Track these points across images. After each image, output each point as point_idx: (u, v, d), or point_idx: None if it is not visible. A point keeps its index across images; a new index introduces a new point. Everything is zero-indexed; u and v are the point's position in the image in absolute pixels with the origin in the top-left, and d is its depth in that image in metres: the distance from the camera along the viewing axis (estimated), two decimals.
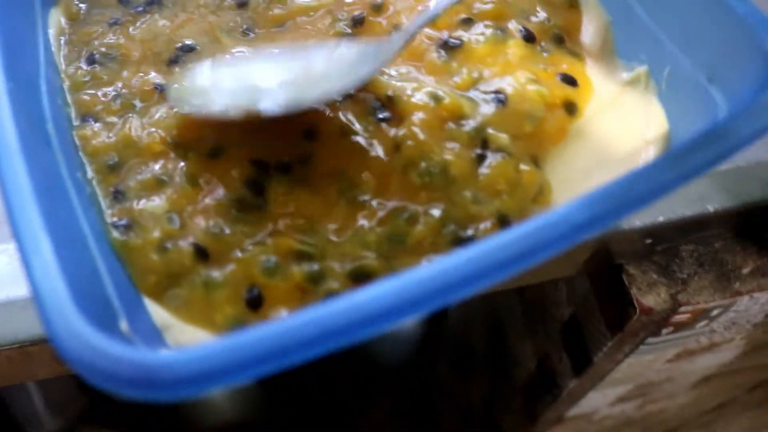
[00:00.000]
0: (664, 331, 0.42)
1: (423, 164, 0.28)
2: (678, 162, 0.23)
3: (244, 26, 0.33)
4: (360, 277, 0.26)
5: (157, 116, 0.30)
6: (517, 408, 0.65)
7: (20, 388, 0.66)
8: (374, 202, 0.27)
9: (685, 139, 0.30)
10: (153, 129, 0.29)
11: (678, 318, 0.40)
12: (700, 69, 0.30)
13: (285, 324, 0.20)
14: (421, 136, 0.28)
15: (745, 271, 0.40)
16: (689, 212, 0.37)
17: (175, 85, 0.30)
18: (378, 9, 0.32)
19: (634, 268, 0.40)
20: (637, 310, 0.39)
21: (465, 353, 0.79)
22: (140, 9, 0.34)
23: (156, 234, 0.27)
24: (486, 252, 0.21)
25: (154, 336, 0.25)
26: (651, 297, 0.39)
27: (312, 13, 0.33)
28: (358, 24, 0.32)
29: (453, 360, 0.85)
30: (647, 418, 0.64)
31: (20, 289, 0.31)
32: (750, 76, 0.27)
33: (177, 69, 0.32)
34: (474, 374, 0.78)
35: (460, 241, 0.27)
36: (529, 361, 0.60)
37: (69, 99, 0.31)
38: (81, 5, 0.34)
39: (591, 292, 0.44)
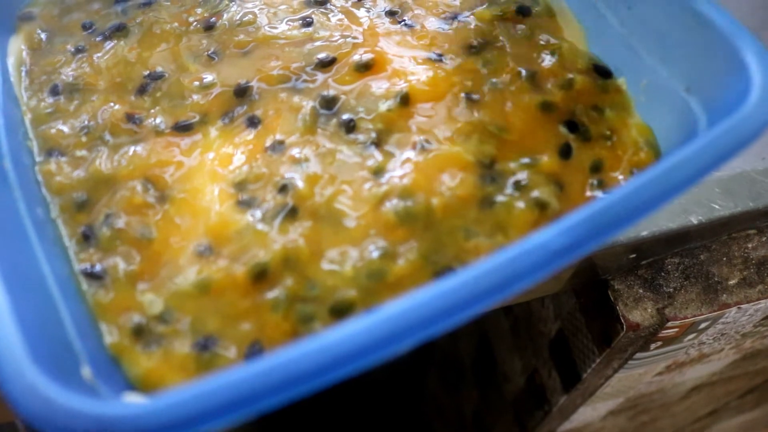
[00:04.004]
0: (653, 345, 0.41)
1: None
2: (659, 180, 0.22)
3: (210, 50, 0.32)
4: (340, 310, 0.25)
5: (131, 153, 0.29)
6: (508, 422, 0.64)
7: None
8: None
9: (666, 152, 0.30)
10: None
11: (666, 333, 0.40)
12: (677, 79, 0.29)
13: (265, 365, 0.19)
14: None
15: (732, 282, 0.39)
16: (673, 225, 0.36)
17: None
18: (358, 66, 0.31)
19: (619, 284, 0.39)
20: (624, 327, 0.38)
21: (454, 367, 0.78)
22: (105, 35, 0.33)
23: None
24: (462, 284, 0.20)
25: (122, 381, 0.24)
26: (638, 312, 0.38)
27: (275, 42, 0.32)
28: (324, 66, 0.31)
29: (442, 373, 0.84)
30: (641, 429, 0.63)
31: None
32: (728, 87, 0.27)
33: (146, 98, 0.31)
34: (463, 388, 0.77)
35: (442, 275, 0.26)
36: (519, 376, 0.59)
37: (31, 133, 0.30)
38: (42, 33, 0.33)
39: (577, 308, 0.43)
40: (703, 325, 0.41)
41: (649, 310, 0.38)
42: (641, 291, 0.39)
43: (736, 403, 0.66)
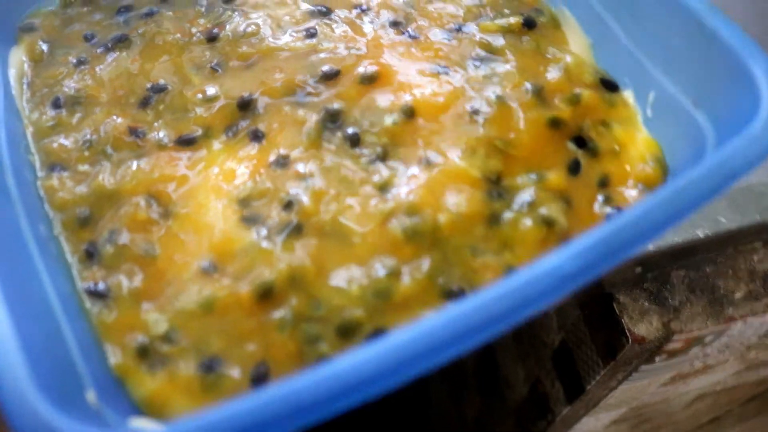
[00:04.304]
0: (658, 358, 0.41)
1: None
2: (669, 202, 0.22)
3: (214, 61, 0.32)
4: (347, 330, 0.25)
5: (134, 167, 0.29)
6: (509, 429, 0.64)
7: None
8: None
9: (673, 167, 0.29)
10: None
11: (671, 346, 0.39)
12: (685, 94, 0.29)
13: (275, 393, 0.19)
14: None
15: (738, 295, 0.39)
16: (679, 239, 0.36)
17: None
18: (362, 78, 0.31)
19: (625, 296, 0.39)
20: (630, 340, 0.38)
21: (457, 372, 0.78)
22: (107, 46, 0.33)
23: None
24: (473, 310, 0.20)
25: (127, 405, 0.23)
26: (643, 326, 0.38)
27: (279, 54, 0.31)
28: (328, 79, 0.31)
29: (445, 379, 0.84)
30: None
31: None
32: (736, 102, 0.26)
33: (149, 111, 0.30)
34: (466, 394, 0.77)
35: (450, 295, 0.25)
36: (521, 384, 0.58)
37: (33, 147, 0.29)
38: (44, 44, 0.33)
39: (581, 319, 0.43)
40: (708, 338, 0.41)
41: (655, 324, 0.38)
42: (647, 304, 0.38)
43: (739, 411, 0.66)
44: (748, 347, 0.47)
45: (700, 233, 0.36)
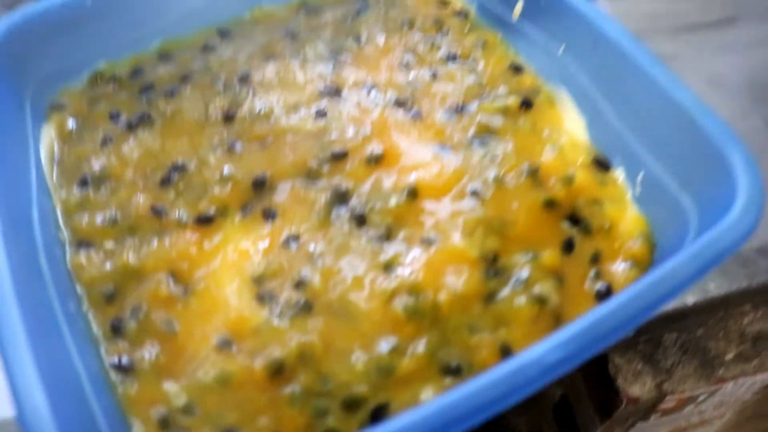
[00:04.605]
0: (653, 417, 0.42)
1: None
2: (645, 295, 0.24)
3: (230, 141, 0.34)
4: (352, 405, 0.27)
5: (156, 245, 0.31)
6: None
7: None
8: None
9: (660, 244, 0.31)
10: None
11: (665, 405, 0.41)
12: (671, 176, 0.31)
13: None
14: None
15: (728, 357, 0.41)
16: (669, 307, 0.38)
17: None
18: (369, 159, 0.33)
19: (619, 358, 0.40)
20: (624, 400, 0.39)
21: None
22: (131, 125, 0.35)
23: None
24: (464, 398, 0.22)
25: None
26: (637, 387, 0.39)
27: (292, 136, 0.34)
28: (337, 160, 0.33)
29: None
30: None
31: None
32: (717, 188, 0.28)
33: (170, 189, 0.32)
34: None
35: (448, 371, 0.27)
36: None
37: (62, 224, 0.32)
38: (72, 122, 0.35)
39: (580, 378, 0.45)
40: (702, 398, 0.42)
41: (648, 384, 0.40)
42: (640, 366, 0.40)
43: None
44: (743, 402, 0.48)
45: (689, 301, 0.38)
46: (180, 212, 0.32)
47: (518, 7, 0.38)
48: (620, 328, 0.24)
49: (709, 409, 0.46)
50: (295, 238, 0.31)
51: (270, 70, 0.37)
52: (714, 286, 0.39)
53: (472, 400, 0.22)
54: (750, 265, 0.40)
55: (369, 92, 0.36)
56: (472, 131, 0.34)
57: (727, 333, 0.41)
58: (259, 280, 0.30)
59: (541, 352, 0.23)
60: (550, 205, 0.32)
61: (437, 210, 0.31)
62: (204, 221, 0.31)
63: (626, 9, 0.53)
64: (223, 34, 0.40)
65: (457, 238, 0.30)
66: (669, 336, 0.41)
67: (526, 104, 0.36)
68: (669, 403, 0.41)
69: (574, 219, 0.32)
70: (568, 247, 0.31)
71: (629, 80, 0.33)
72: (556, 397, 0.50)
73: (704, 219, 0.29)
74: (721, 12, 0.55)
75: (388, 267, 0.30)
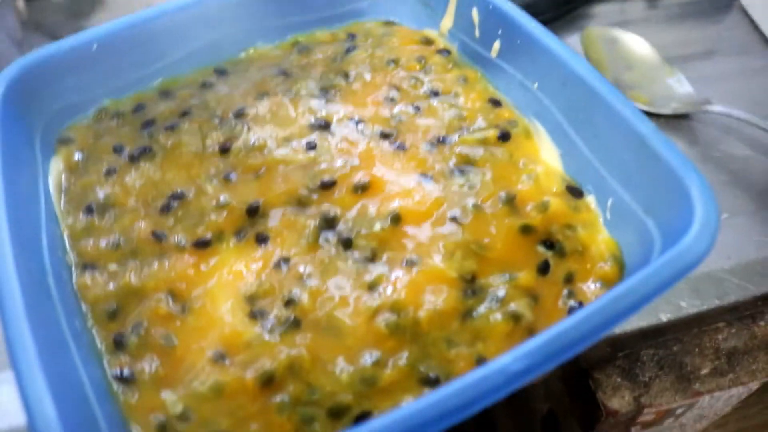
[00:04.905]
0: (633, 429, 0.44)
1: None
2: (603, 311, 0.26)
3: (226, 172, 0.36)
4: (337, 413, 0.29)
5: (156, 267, 0.33)
6: None
7: None
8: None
9: (629, 265, 0.34)
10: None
11: (644, 418, 0.43)
12: (637, 202, 0.33)
13: None
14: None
15: (704, 371, 0.43)
16: (644, 323, 0.40)
17: None
18: (356, 187, 0.36)
19: (599, 373, 0.42)
20: (604, 413, 0.41)
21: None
22: (133, 157, 0.37)
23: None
24: (436, 402, 0.24)
25: None
26: (616, 400, 0.41)
27: (284, 167, 0.36)
28: (325, 188, 0.35)
29: None
30: None
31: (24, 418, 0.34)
32: (678, 214, 0.30)
33: (169, 216, 0.35)
34: None
35: (427, 382, 0.29)
36: None
37: (69, 248, 0.34)
38: (78, 155, 0.38)
39: (564, 392, 0.47)
40: (679, 411, 0.44)
41: (627, 398, 0.42)
42: (619, 380, 0.42)
43: None
44: (723, 416, 0.50)
45: (663, 318, 0.40)
46: (179, 237, 0.34)
47: (496, 46, 0.41)
48: (584, 339, 0.26)
49: (690, 422, 0.47)
50: (286, 260, 0.33)
51: (264, 106, 0.40)
52: (686, 305, 0.41)
53: (443, 405, 0.24)
54: (721, 284, 0.42)
55: (356, 126, 0.39)
56: (452, 161, 0.37)
57: (702, 349, 0.43)
58: (251, 299, 0.32)
59: (507, 361, 0.25)
60: (526, 230, 0.34)
61: (419, 234, 0.34)
62: (201, 245, 0.34)
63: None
64: (220, 72, 0.43)
65: (437, 260, 0.32)
66: (646, 352, 0.43)
67: (504, 136, 0.38)
68: (648, 416, 0.43)
69: (549, 243, 0.34)
70: (544, 269, 0.33)
71: (597, 114, 0.35)
72: (543, 410, 0.52)
73: (666, 241, 0.31)
74: None
75: (372, 287, 0.32)
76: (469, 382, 0.24)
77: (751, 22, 0.61)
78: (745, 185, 0.47)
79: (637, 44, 0.56)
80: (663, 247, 0.31)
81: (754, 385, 0.44)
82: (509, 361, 0.24)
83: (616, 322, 0.26)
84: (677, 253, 0.28)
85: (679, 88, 0.53)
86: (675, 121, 0.51)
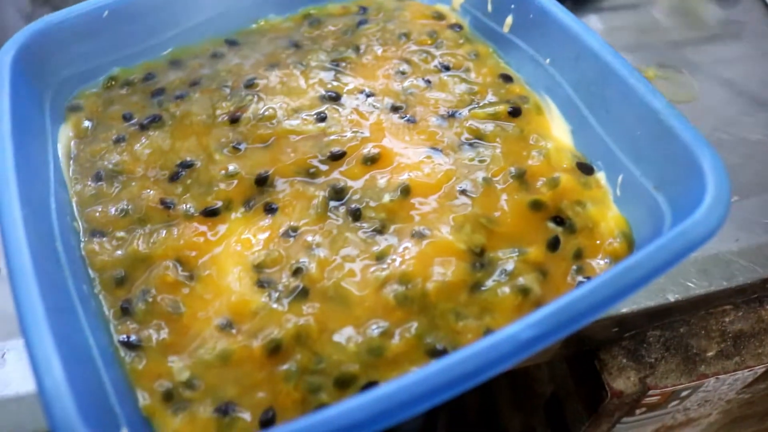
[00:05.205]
0: (638, 411, 0.44)
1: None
2: (614, 282, 0.26)
3: (235, 141, 0.36)
4: (344, 382, 0.29)
5: (164, 235, 0.33)
6: None
7: None
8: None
9: (639, 242, 0.33)
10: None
11: (649, 400, 0.43)
12: (647, 178, 0.33)
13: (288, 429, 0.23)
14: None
15: (710, 354, 0.43)
16: (651, 303, 0.40)
17: None
18: (365, 159, 0.35)
19: (605, 354, 0.42)
20: (609, 394, 0.41)
21: (460, 422, 0.80)
22: (143, 125, 0.37)
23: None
24: (444, 368, 0.24)
25: None
26: (621, 381, 0.41)
27: (293, 137, 0.36)
28: (335, 159, 0.35)
29: (449, 426, 0.86)
30: None
31: (29, 385, 0.34)
32: (689, 189, 0.30)
33: (178, 185, 0.35)
34: None
35: (435, 353, 0.29)
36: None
37: (77, 214, 0.34)
38: (88, 122, 0.38)
39: (568, 374, 0.47)
40: (684, 393, 0.44)
41: (632, 379, 0.42)
42: (624, 361, 0.42)
43: None
44: (728, 401, 0.50)
45: (671, 298, 0.40)
46: (187, 205, 0.34)
47: (509, 21, 0.41)
48: (594, 310, 0.26)
49: (694, 406, 0.47)
50: (294, 230, 0.33)
51: (274, 77, 0.39)
52: (694, 285, 0.41)
53: (451, 371, 0.24)
54: (729, 266, 0.42)
55: (367, 98, 0.38)
56: (463, 136, 0.37)
57: (709, 331, 0.43)
58: (259, 268, 0.32)
59: (516, 329, 0.24)
60: (536, 206, 0.34)
61: (428, 207, 0.34)
62: (209, 214, 0.34)
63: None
64: (231, 43, 0.42)
65: (446, 232, 0.32)
66: (653, 333, 0.43)
67: (515, 111, 0.38)
68: (653, 397, 0.43)
69: (559, 219, 0.34)
70: (554, 245, 0.33)
71: (610, 90, 0.35)
72: (547, 394, 0.52)
73: (677, 216, 0.31)
74: None
75: (381, 258, 0.32)
76: (479, 349, 0.24)
77: (765, 5, 0.61)
78: (754, 169, 0.47)
79: None
80: (673, 223, 0.31)
81: (760, 369, 0.44)
82: (519, 329, 0.24)
83: (626, 293, 0.26)
84: (689, 226, 0.27)
85: None
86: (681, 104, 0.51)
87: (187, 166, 0.35)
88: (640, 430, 0.50)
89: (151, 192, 0.34)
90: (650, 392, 0.42)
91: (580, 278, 0.33)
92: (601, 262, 0.33)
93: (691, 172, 0.30)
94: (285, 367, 0.29)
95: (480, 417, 0.75)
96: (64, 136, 0.37)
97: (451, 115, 0.38)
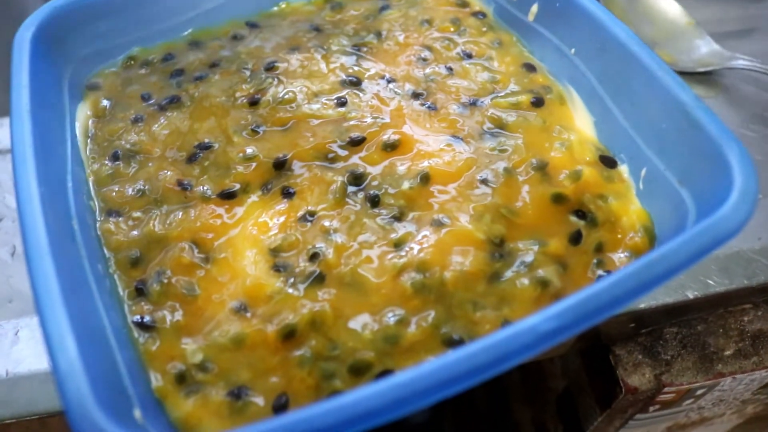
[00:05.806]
0: (652, 408, 0.44)
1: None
2: (637, 276, 0.25)
3: (254, 124, 0.36)
4: (358, 370, 0.29)
5: (180, 216, 0.33)
6: None
7: None
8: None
9: (661, 237, 0.33)
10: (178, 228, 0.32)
11: (664, 397, 0.42)
12: (672, 172, 0.33)
13: (298, 418, 0.22)
14: None
15: (727, 353, 0.42)
16: (670, 299, 0.39)
17: None
18: (385, 145, 0.35)
19: (620, 349, 0.42)
20: (623, 390, 0.41)
21: (470, 415, 0.80)
22: (161, 106, 0.37)
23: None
24: (461, 359, 0.23)
25: (166, 423, 0.27)
26: (636, 377, 0.41)
27: (313, 121, 0.36)
28: (354, 144, 0.35)
29: (458, 419, 0.86)
30: None
31: (41, 363, 0.34)
32: (715, 184, 0.30)
33: (196, 166, 0.34)
34: None
35: (451, 343, 0.29)
36: (528, 426, 0.61)
37: (93, 194, 0.34)
38: (106, 102, 0.37)
39: (582, 369, 0.46)
40: (699, 392, 0.44)
41: (647, 376, 0.41)
42: (640, 357, 0.42)
43: None
44: (743, 401, 0.49)
45: (690, 295, 0.39)
46: (204, 187, 0.34)
47: (534, 9, 0.40)
48: (615, 304, 0.25)
49: (708, 405, 0.47)
50: (312, 214, 0.32)
51: (294, 60, 0.39)
52: (714, 282, 0.40)
53: (469, 362, 0.23)
54: (750, 265, 0.41)
55: (387, 84, 0.38)
56: (484, 125, 0.36)
57: (727, 330, 0.42)
58: (275, 252, 0.31)
59: (536, 321, 0.24)
60: (559, 199, 0.33)
61: (447, 195, 0.33)
62: (227, 196, 0.33)
63: None
64: (252, 25, 0.42)
65: (465, 221, 0.32)
66: (669, 330, 0.42)
67: (538, 102, 0.37)
68: (667, 395, 0.42)
69: (581, 213, 0.33)
70: (576, 239, 0.33)
71: (635, 81, 0.34)
72: (559, 389, 0.51)
73: (701, 212, 0.30)
74: None
75: (399, 245, 0.31)
76: (497, 340, 0.23)
77: None
78: None
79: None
80: (697, 218, 0.30)
81: None
82: (538, 321, 0.24)
83: (648, 288, 0.25)
84: (714, 222, 0.27)
85: (703, 47, 0.52)
86: (706, 99, 0.50)
87: (205, 147, 0.35)
88: (653, 428, 0.49)
89: (169, 173, 0.34)
90: (665, 389, 0.41)
91: (600, 272, 0.32)
92: (622, 257, 0.33)
93: (718, 166, 0.30)
94: (299, 352, 0.29)
95: (489, 410, 0.74)
96: (82, 114, 0.37)
97: (473, 104, 0.37)
